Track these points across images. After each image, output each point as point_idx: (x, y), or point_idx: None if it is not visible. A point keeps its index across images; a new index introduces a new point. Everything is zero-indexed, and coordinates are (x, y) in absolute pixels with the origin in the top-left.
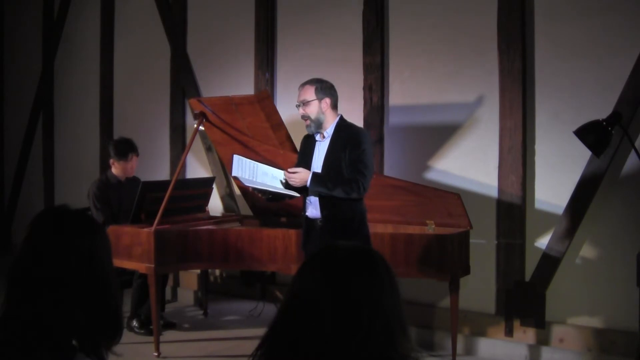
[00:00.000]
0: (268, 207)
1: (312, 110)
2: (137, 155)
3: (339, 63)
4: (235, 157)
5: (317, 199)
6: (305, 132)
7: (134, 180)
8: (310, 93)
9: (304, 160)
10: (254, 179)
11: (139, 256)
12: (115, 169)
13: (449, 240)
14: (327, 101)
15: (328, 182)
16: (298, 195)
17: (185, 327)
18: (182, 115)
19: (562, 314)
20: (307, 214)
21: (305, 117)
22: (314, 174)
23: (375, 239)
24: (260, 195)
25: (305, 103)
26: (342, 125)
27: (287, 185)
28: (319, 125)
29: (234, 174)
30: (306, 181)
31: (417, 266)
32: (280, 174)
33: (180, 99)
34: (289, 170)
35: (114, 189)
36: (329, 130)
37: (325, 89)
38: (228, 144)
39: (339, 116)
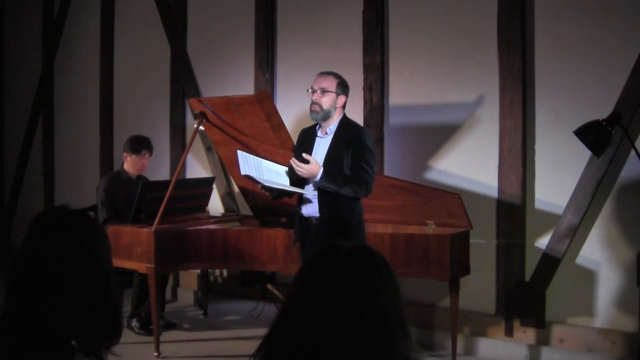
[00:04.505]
0: (268, 207)
1: (327, 101)
2: (151, 153)
3: (339, 63)
4: (240, 153)
5: (316, 196)
6: (301, 129)
7: (144, 179)
8: (332, 84)
9: (300, 154)
10: (262, 176)
11: (139, 256)
12: (127, 164)
13: (449, 240)
14: (342, 99)
15: (338, 179)
16: (305, 192)
17: (185, 327)
18: (182, 115)
19: (562, 314)
20: (302, 212)
21: (315, 104)
22: (325, 171)
23: (375, 239)
24: (267, 192)
25: (324, 91)
26: (346, 124)
27: (292, 175)
28: (325, 117)
29: (243, 172)
30: (315, 174)
31: (417, 266)
32: (283, 170)
33: (180, 99)
34: (306, 157)
35: (124, 186)
36: (332, 126)
37: (345, 87)
38: (228, 144)
39: (343, 114)
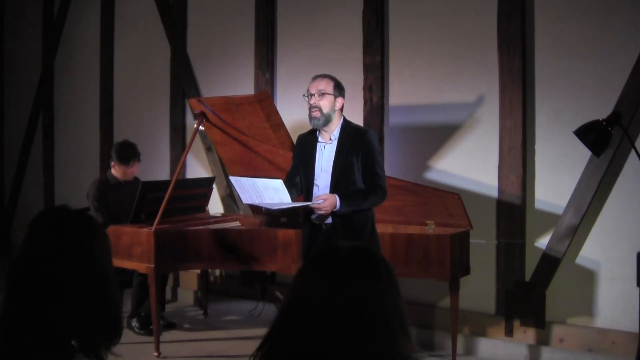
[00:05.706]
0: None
1: (326, 104)
2: (139, 160)
3: (339, 63)
4: (233, 180)
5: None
6: (298, 135)
7: (134, 181)
8: (328, 86)
9: (303, 162)
10: (263, 198)
11: (139, 256)
12: (116, 171)
13: (448, 240)
14: (340, 101)
15: (356, 198)
16: (311, 204)
17: (185, 327)
18: (182, 115)
19: (562, 314)
20: (312, 218)
21: (315, 108)
22: (342, 196)
23: None
24: (273, 214)
25: (322, 94)
26: (348, 127)
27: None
28: (326, 121)
29: (245, 201)
30: (335, 204)
31: (417, 266)
32: (277, 184)
33: (180, 99)
34: (317, 198)
35: (114, 190)
36: (335, 132)
37: (342, 89)
38: (228, 144)
39: (343, 117)
